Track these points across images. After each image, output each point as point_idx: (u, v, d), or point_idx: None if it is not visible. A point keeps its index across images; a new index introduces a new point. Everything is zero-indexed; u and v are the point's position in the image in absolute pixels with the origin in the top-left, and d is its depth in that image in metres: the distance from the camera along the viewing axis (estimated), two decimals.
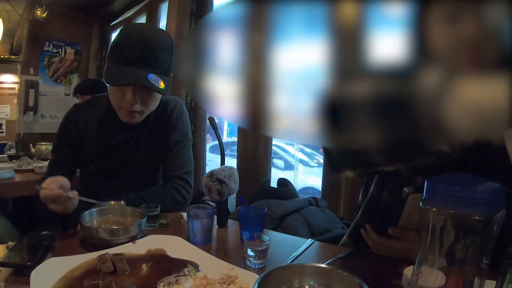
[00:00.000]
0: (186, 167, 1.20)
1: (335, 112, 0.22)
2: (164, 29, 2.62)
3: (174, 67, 1.12)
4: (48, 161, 1.34)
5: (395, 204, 0.91)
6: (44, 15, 3.18)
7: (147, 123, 1.19)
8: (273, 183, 1.82)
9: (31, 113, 3.42)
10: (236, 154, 2.23)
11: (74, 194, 0.95)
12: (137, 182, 1.18)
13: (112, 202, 1.00)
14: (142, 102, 1.10)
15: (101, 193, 1.10)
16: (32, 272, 0.65)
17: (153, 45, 1.05)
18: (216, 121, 1.26)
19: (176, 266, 0.74)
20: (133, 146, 1.19)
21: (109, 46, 1.16)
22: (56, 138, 1.22)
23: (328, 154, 0.86)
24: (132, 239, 0.86)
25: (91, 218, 0.94)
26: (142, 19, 3.10)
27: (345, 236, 1.09)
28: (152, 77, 1.04)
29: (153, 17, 2.90)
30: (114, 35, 3.73)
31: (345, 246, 1.05)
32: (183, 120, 1.24)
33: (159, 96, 1.15)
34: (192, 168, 1.23)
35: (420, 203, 0.43)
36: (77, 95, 2.57)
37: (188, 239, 0.88)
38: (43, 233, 0.84)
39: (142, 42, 1.04)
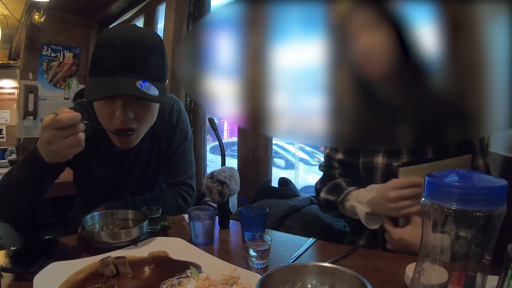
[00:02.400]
0: (188, 171, 1.19)
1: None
2: (162, 31, 2.64)
3: (167, 72, 0.98)
4: None
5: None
6: (41, 20, 3.18)
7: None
8: (274, 183, 1.82)
9: (31, 117, 3.43)
10: (236, 154, 2.23)
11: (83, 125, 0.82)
12: (141, 188, 1.17)
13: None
14: (136, 117, 0.93)
15: (104, 202, 1.07)
16: (35, 277, 0.65)
17: (139, 46, 0.89)
18: (216, 121, 1.26)
19: (178, 268, 0.74)
20: (136, 155, 1.12)
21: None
22: None
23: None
24: (134, 241, 0.86)
25: (93, 221, 0.94)
26: (140, 21, 3.10)
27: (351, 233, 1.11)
28: (143, 84, 0.88)
29: (151, 19, 2.90)
30: None
31: (355, 232, 1.08)
32: (182, 120, 1.19)
33: (157, 106, 1.00)
34: (194, 170, 1.22)
35: (422, 200, 0.43)
36: (77, 100, 2.56)
37: (190, 241, 0.88)
38: (45, 237, 0.84)
39: (126, 45, 0.88)
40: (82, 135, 0.80)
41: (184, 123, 1.20)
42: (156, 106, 1.01)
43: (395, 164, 0.90)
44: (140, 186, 1.16)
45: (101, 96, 0.88)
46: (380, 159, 0.97)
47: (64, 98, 3.64)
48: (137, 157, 1.13)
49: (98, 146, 1.04)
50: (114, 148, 1.02)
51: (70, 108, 1.06)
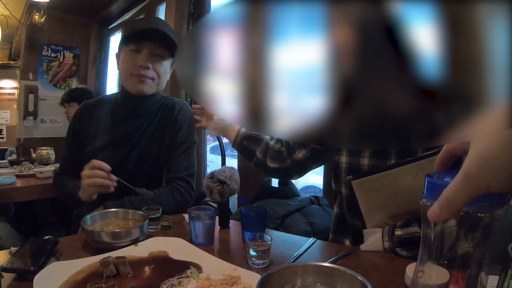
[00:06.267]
0: (188, 169, 1.20)
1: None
2: None
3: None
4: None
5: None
6: (42, 20, 3.18)
7: (153, 120, 1.21)
8: (274, 183, 1.82)
9: (31, 118, 3.42)
10: (236, 154, 2.23)
11: (114, 178, 1.02)
12: (137, 180, 1.17)
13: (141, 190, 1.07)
14: (154, 68, 1.16)
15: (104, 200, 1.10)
16: (35, 277, 0.65)
17: (161, 23, 1.17)
18: None
19: (178, 268, 0.74)
20: (136, 140, 1.20)
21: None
22: (66, 135, 1.26)
23: None
24: (134, 241, 0.86)
25: (93, 221, 0.94)
26: None
27: (331, 233, 1.05)
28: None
29: None
30: (112, 38, 3.73)
31: (334, 242, 1.03)
32: (189, 123, 1.25)
33: (168, 68, 1.21)
34: (195, 170, 1.23)
35: (422, 201, 0.43)
36: (64, 104, 2.54)
37: (190, 241, 0.88)
38: (46, 237, 0.84)
39: (151, 21, 1.19)
40: (94, 180, 1.00)
41: (191, 125, 1.25)
42: (168, 66, 1.21)
43: (347, 177, 0.84)
44: (136, 176, 1.18)
45: (141, 29, 1.13)
46: (366, 161, 0.89)
47: None
48: (138, 143, 1.20)
49: (108, 127, 1.20)
50: (122, 130, 1.19)
51: (95, 99, 1.32)
